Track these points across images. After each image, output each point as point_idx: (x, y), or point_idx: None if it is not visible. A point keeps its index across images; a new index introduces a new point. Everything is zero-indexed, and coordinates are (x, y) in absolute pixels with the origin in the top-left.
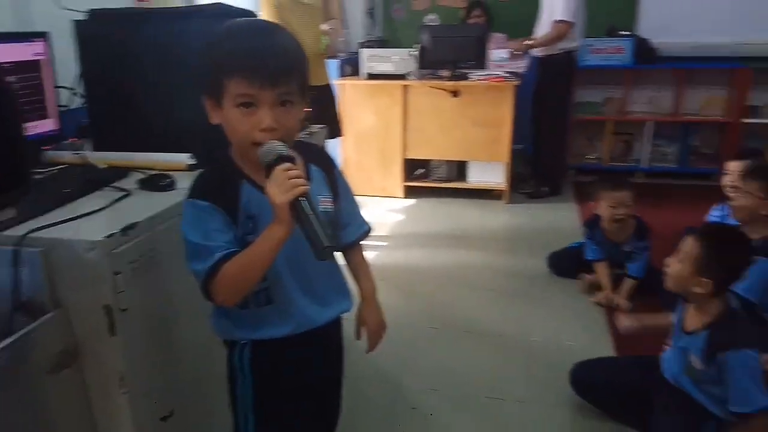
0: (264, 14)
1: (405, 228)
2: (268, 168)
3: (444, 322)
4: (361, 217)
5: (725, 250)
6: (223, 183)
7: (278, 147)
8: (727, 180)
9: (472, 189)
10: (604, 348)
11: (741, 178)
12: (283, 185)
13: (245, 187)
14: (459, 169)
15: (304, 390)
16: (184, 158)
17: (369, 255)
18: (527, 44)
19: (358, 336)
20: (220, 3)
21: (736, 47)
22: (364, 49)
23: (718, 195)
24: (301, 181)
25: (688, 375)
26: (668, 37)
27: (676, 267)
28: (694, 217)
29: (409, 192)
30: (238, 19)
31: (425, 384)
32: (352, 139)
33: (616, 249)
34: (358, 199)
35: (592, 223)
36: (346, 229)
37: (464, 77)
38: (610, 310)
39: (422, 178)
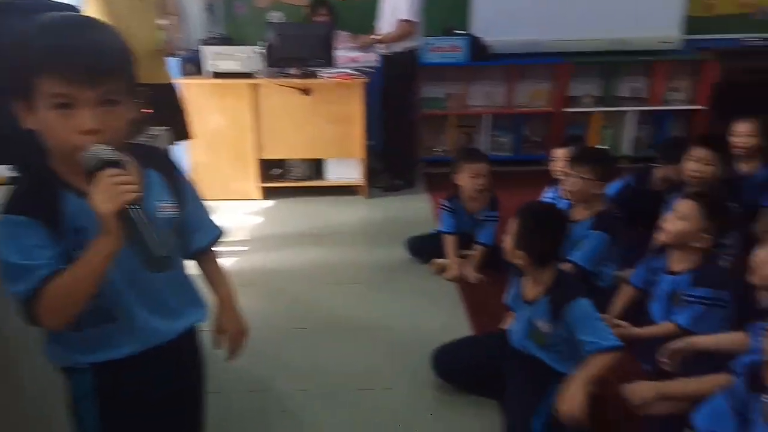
0: (91, 7)
1: (265, 230)
2: (92, 174)
3: (310, 321)
4: (211, 221)
5: (533, 226)
6: (41, 194)
7: (103, 151)
8: (556, 165)
9: (330, 186)
10: (461, 326)
11: (569, 162)
12: (108, 192)
13: (70, 197)
14: (316, 167)
15: (157, 409)
16: (2, 170)
17: (229, 260)
18: (373, 38)
19: (217, 345)
20: None
21: (557, 44)
22: (205, 46)
23: (548, 178)
24: (130, 187)
25: (533, 339)
26: (498, 36)
27: (506, 241)
28: (531, 199)
29: (268, 193)
30: (52, 13)
31: (295, 385)
32: (203, 141)
33: (472, 219)
34: (211, 203)
35: (452, 196)
36: (195, 234)
37: (314, 75)
38: (465, 286)
39: (279, 178)
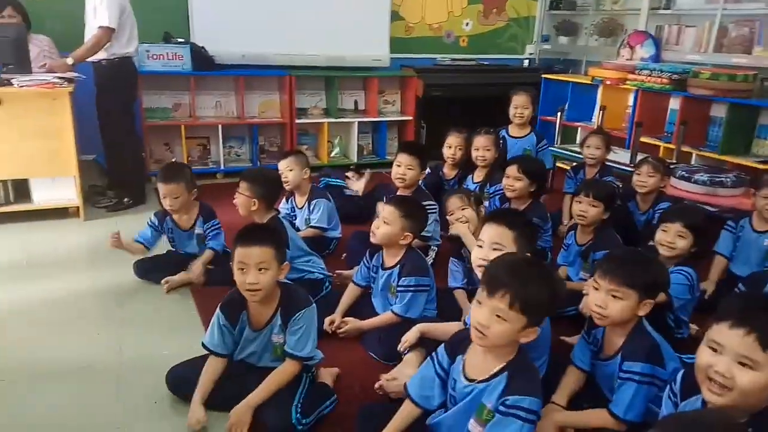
0: None
1: None
2: None
3: (13, 370)
4: None
5: None
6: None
7: None
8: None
9: (40, 210)
10: (197, 342)
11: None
12: None
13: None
14: (20, 188)
15: None
16: None
17: None
18: (68, 65)
19: None
20: None
21: (282, 57)
22: None
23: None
24: None
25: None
26: (221, 46)
27: None
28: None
29: None
30: None
31: None
32: None
33: (189, 235)
34: None
35: (160, 214)
36: None
37: (8, 83)
38: (201, 301)
39: None
